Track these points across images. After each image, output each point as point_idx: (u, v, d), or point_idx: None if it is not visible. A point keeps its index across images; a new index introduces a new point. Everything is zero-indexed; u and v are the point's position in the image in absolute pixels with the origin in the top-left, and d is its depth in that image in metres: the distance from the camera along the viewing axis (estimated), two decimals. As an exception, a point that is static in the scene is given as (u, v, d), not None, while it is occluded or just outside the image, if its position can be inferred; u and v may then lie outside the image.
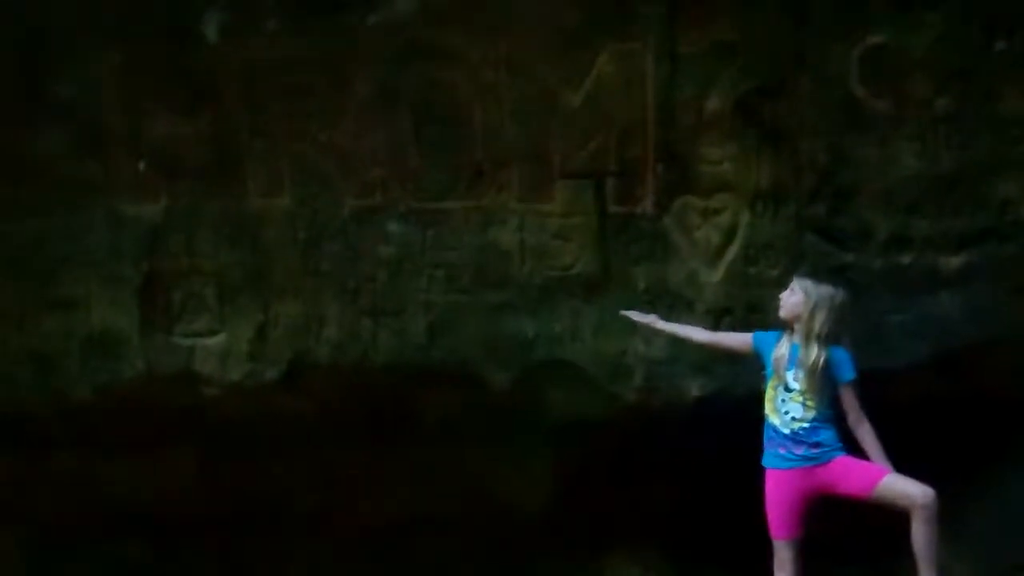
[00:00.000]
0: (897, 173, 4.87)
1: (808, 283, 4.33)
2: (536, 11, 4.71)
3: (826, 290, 4.30)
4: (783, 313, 4.35)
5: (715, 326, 4.83)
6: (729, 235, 4.86)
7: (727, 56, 4.76)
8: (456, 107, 4.80)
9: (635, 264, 4.93)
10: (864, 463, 4.21)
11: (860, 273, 4.87)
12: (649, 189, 4.87)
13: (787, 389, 4.28)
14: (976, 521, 5.17)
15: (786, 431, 4.26)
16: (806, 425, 4.23)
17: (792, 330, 4.33)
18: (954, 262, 4.91)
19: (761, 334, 4.44)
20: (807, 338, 4.26)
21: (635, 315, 4.76)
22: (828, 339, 4.25)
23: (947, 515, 4.07)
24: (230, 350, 4.95)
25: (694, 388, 4.95)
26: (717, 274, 4.87)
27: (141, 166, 4.82)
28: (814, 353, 4.23)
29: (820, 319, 4.25)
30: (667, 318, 4.87)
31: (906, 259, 4.92)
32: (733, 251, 4.87)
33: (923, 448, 4.43)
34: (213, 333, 4.97)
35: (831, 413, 4.27)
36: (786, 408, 4.27)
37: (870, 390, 4.32)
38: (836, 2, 4.76)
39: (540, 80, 4.79)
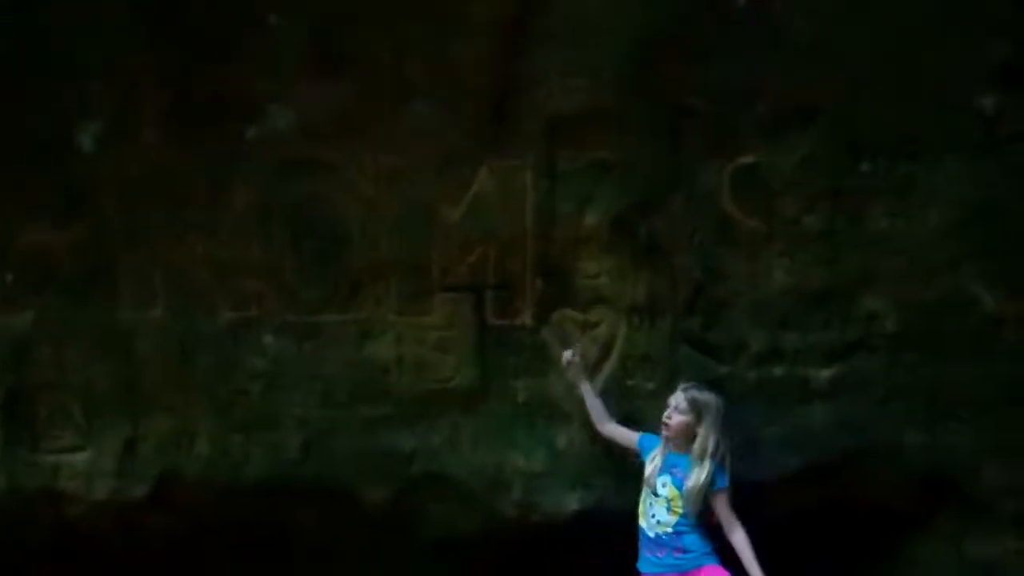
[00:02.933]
0: (768, 288, 4.96)
1: (694, 392, 4.49)
2: (417, 127, 4.78)
3: (711, 399, 4.47)
4: (672, 434, 4.47)
5: (593, 439, 4.86)
6: (606, 348, 4.91)
7: (604, 173, 4.86)
8: (334, 220, 4.82)
9: (514, 377, 4.95)
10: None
11: (734, 385, 4.91)
12: (528, 302, 4.92)
13: (655, 494, 4.43)
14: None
15: (651, 534, 4.42)
16: (669, 530, 4.38)
17: (667, 441, 4.44)
18: (824, 374, 4.98)
19: (647, 437, 4.60)
20: (701, 457, 4.38)
21: (570, 356, 4.77)
22: (715, 454, 4.38)
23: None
24: (96, 467, 4.81)
25: (573, 502, 4.94)
26: (595, 386, 4.88)
27: (8, 277, 4.73)
28: (705, 471, 4.36)
29: (713, 437, 4.40)
30: (546, 430, 4.92)
31: (778, 371, 4.98)
32: (611, 364, 4.91)
33: (799, 559, 4.49)
34: (79, 449, 4.83)
35: (697, 519, 4.38)
36: (652, 512, 4.44)
37: (745, 502, 4.41)
38: (708, 123, 4.88)
39: (420, 194, 4.83)
